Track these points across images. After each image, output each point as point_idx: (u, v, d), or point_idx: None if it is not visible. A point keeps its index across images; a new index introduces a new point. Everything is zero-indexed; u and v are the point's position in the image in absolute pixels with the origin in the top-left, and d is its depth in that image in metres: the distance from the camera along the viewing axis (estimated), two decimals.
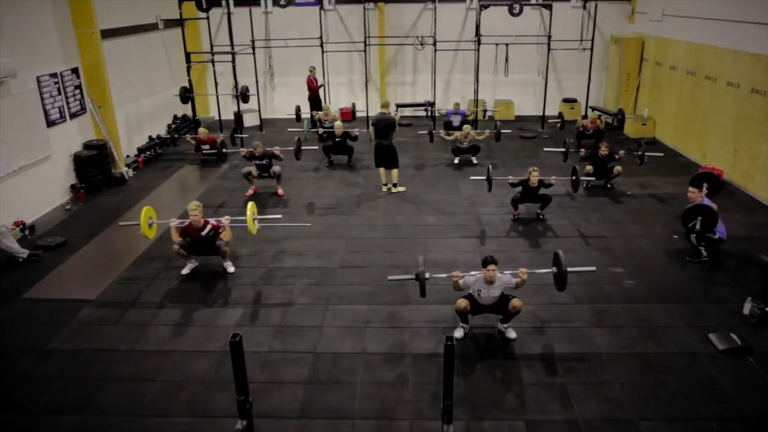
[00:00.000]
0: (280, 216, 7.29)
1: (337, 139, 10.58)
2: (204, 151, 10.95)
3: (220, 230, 6.64)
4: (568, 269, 5.18)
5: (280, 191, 9.34)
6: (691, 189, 7.02)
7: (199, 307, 6.04)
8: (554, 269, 5.28)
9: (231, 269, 6.77)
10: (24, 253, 7.07)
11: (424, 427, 4.33)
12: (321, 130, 11.68)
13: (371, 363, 5.08)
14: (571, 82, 14.10)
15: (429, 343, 5.32)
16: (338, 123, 10.61)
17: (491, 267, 5.07)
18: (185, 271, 6.74)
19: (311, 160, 10.97)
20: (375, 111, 11.15)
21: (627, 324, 5.60)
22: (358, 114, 13.64)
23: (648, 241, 7.40)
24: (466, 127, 10.69)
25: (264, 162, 9.25)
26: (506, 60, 12.93)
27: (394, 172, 9.35)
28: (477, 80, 12.98)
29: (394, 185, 9.41)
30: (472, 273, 5.24)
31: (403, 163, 10.05)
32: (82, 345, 5.41)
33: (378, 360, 5.12)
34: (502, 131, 10.94)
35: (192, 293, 6.35)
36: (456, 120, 11.68)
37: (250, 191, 9.32)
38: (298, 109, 12.63)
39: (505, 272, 5.25)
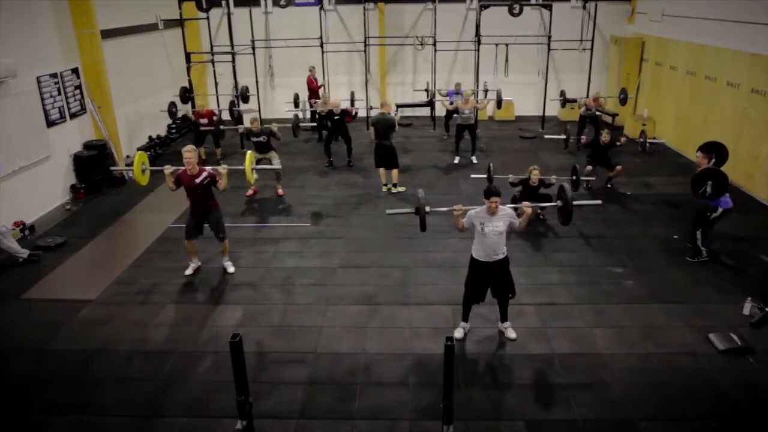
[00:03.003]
0: (279, 166, 7.15)
1: (335, 117, 10.38)
2: (201, 127, 10.86)
3: (217, 178, 6.35)
4: (574, 202, 5.12)
5: (280, 191, 9.33)
6: (698, 153, 6.84)
7: (199, 307, 6.04)
8: (559, 203, 5.22)
9: (231, 269, 6.77)
10: (24, 253, 7.07)
11: (424, 427, 4.33)
12: (319, 109, 11.46)
13: (371, 363, 5.08)
14: (571, 82, 14.09)
15: (429, 343, 5.32)
16: (336, 101, 10.46)
17: (494, 199, 4.87)
18: (188, 271, 6.72)
19: (311, 160, 10.96)
20: (374, 111, 11.16)
21: (627, 324, 5.60)
22: (358, 114, 13.60)
23: (648, 241, 7.39)
24: (467, 92, 10.66)
25: (262, 139, 8.99)
26: (506, 60, 12.93)
27: (394, 172, 9.35)
28: (477, 80, 12.97)
29: (394, 185, 9.41)
30: (474, 207, 5.09)
31: (403, 163, 10.05)
32: (82, 345, 5.41)
33: (378, 360, 5.12)
34: (503, 98, 11.13)
35: (192, 293, 6.35)
36: (457, 100, 11.64)
37: (251, 191, 9.31)
38: (296, 97, 12.55)
39: (508, 205, 5.14)
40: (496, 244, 5.01)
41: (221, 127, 10.69)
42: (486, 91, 13.06)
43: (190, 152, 6.22)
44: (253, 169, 6.47)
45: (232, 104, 11.63)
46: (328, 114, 10.50)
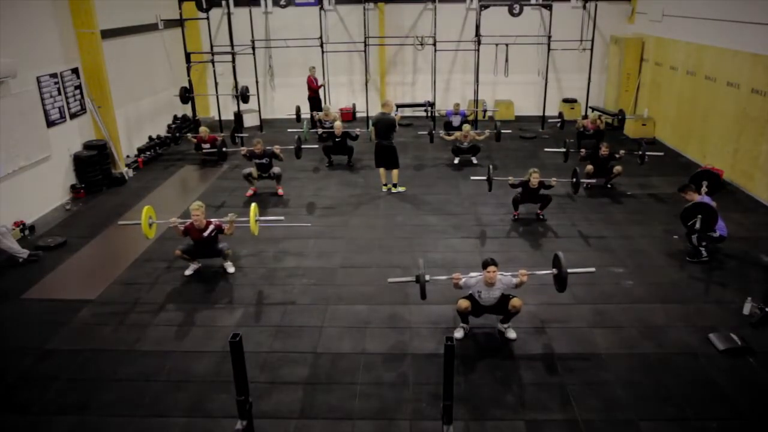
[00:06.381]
0: (282, 217, 7.27)
1: (337, 139, 10.59)
2: (204, 150, 10.96)
3: (224, 227, 6.63)
4: (568, 270, 5.18)
5: (280, 191, 9.34)
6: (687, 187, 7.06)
7: (199, 308, 6.04)
8: (554, 271, 5.29)
9: (231, 269, 6.77)
10: (24, 253, 7.07)
11: (424, 427, 4.33)
12: (321, 131, 11.70)
13: (371, 363, 5.07)
14: (571, 82, 14.10)
15: (429, 344, 5.31)
16: (338, 123, 10.62)
17: (491, 269, 5.06)
18: (188, 272, 6.73)
19: (311, 160, 10.97)
20: (375, 111, 11.16)
21: (627, 324, 5.60)
22: (358, 114, 13.65)
23: (648, 241, 7.39)
24: (466, 127, 10.70)
25: (264, 161, 9.24)
26: (506, 60, 12.93)
27: (394, 172, 9.34)
28: (477, 80, 12.98)
29: (394, 185, 9.41)
30: (473, 275, 5.23)
31: (403, 163, 10.04)
32: (82, 345, 5.40)
33: (378, 360, 5.12)
34: (502, 131, 10.93)
35: (192, 293, 6.35)
36: (456, 120, 11.69)
37: (250, 192, 9.32)
38: (298, 110, 12.64)
39: (505, 273, 5.25)
40: (491, 300, 5.26)
41: (224, 149, 10.72)
42: (485, 111, 13.12)
43: (197, 210, 6.47)
44: (257, 221, 6.61)
45: (234, 130, 11.70)
46: (330, 135, 10.77)
